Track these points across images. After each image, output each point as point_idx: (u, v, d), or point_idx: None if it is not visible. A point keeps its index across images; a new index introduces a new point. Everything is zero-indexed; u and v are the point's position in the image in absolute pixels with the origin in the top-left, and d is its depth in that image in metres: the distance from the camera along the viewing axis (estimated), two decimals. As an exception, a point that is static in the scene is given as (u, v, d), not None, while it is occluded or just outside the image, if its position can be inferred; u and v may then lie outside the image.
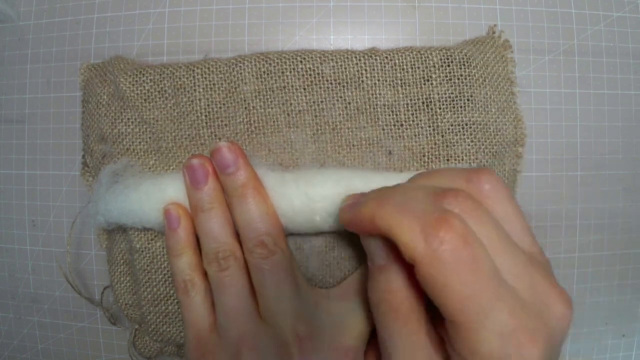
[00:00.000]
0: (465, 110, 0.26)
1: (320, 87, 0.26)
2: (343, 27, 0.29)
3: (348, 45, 0.29)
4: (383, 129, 0.26)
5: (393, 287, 0.18)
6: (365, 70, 0.26)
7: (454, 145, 0.26)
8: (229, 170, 0.23)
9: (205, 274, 0.24)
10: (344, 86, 0.26)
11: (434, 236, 0.15)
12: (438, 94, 0.26)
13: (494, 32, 0.29)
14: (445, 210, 0.16)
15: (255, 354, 0.22)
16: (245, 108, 0.26)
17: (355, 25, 0.29)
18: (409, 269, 0.17)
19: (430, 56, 0.26)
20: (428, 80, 0.26)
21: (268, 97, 0.26)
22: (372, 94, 0.26)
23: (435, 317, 0.17)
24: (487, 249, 0.16)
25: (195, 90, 0.26)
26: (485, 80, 0.26)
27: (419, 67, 0.26)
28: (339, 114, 0.26)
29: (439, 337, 0.17)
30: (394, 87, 0.26)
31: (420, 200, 0.17)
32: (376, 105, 0.26)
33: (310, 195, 0.23)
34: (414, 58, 0.26)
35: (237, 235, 0.24)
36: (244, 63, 0.26)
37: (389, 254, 0.18)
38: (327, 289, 0.26)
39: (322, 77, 0.26)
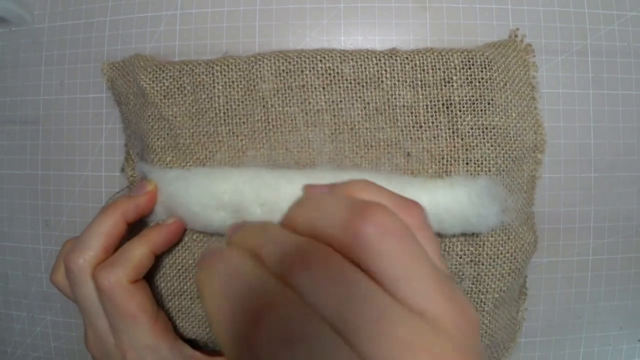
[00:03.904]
0: (485, 113, 0.25)
1: (339, 87, 0.26)
2: (354, 28, 0.29)
3: (359, 47, 0.29)
4: (402, 130, 0.26)
5: None
6: (385, 70, 0.26)
7: (473, 149, 0.25)
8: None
9: None
10: (363, 86, 0.26)
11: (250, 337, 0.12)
12: (458, 96, 0.26)
13: (516, 36, 0.28)
14: (267, 297, 0.13)
15: None
16: (264, 106, 0.26)
17: (366, 26, 0.29)
18: None
19: (451, 58, 0.26)
20: (449, 82, 0.26)
21: (287, 95, 0.26)
22: (392, 95, 0.26)
23: None
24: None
25: (214, 87, 0.26)
26: (506, 84, 0.26)
27: (439, 69, 0.26)
28: (358, 114, 0.26)
29: None
30: (413, 88, 0.26)
31: (253, 279, 0.13)
32: (395, 106, 0.26)
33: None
34: (434, 59, 0.26)
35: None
36: (263, 61, 0.26)
37: None
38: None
39: (342, 76, 0.26)
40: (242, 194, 0.24)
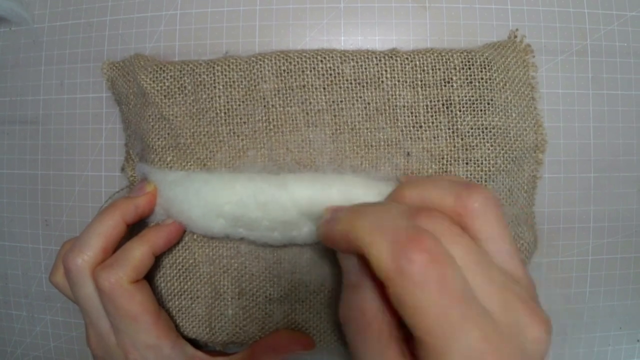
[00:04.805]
0: (485, 114, 0.26)
1: (340, 87, 0.26)
2: (353, 28, 0.29)
3: (359, 47, 0.29)
4: (402, 130, 0.26)
5: (365, 305, 0.18)
6: (386, 70, 0.26)
7: (473, 149, 0.26)
8: None
9: None
10: (363, 86, 0.26)
11: (403, 254, 0.15)
12: (458, 96, 0.26)
13: (515, 36, 0.29)
14: (418, 228, 0.16)
15: None
16: (265, 106, 0.26)
17: (366, 26, 0.29)
18: (382, 287, 0.17)
19: (451, 58, 0.26)
20: (448, 83, 0.26)
21: (287, 95, 0.26)
22: (392, 95, 0.26)
23: (410, 335, 0.17)
24: (461, 269, 0.16)
25: (215, 87, 0.26)
26: (506, 85, 0.26)
27: (439, 69, 0.26)
28: (358, 114, 0.26)
29: (412, 355, 0.17)
30: (414, 88, 0.26)
31: (394, 217, 0.17)
32: (396, 106, 0.26)
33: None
34: (434, 60, 0.26)
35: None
36: (264, 61, 0.26)
37: (363, 271, 0.18)
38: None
39: (342, 76, 0.26)
40: (245, 206, 0.24)
